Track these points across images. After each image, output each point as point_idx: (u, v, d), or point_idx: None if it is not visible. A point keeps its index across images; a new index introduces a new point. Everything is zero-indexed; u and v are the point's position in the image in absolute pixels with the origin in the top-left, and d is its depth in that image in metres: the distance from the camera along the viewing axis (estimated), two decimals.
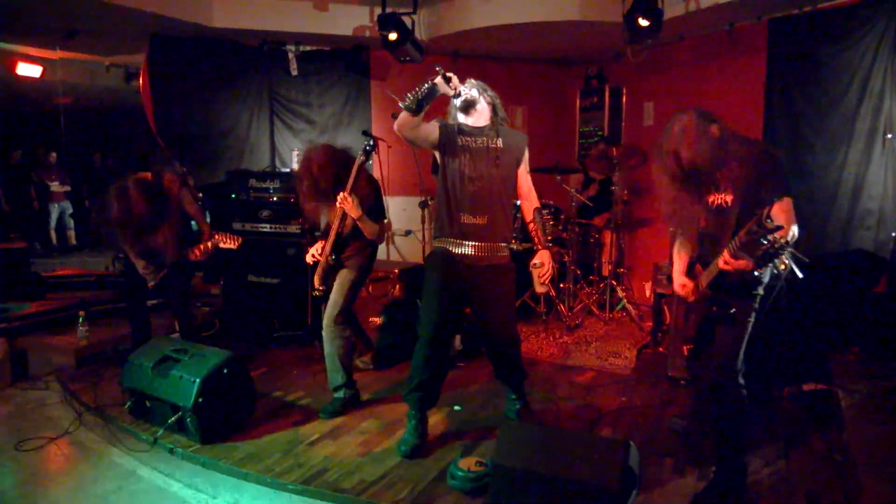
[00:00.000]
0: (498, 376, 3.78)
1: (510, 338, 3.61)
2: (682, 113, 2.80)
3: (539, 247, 3.47)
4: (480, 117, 3.41)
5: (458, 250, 3.42)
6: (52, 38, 7.05)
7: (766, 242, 2.26)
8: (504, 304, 3.53)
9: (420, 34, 6.78)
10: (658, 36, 5.56)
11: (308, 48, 7.39)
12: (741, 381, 2.87)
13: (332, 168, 3.92)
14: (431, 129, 3.41)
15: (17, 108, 10.86)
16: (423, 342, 3.48)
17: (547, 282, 3.46)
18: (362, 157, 3.91)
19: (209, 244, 4.36)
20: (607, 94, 7.60)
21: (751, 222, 2.32)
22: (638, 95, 7.46)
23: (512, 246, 3.54)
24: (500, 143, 3.42)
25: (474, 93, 3.37)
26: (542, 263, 3.41)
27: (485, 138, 3.42)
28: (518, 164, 3.50)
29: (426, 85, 3.25)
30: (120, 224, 4.31)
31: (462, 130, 3.43)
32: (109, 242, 4.55)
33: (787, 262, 2.26)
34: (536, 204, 3.57)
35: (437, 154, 3.50)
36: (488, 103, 3.43)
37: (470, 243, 3.41)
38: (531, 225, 3.53)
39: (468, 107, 3.38)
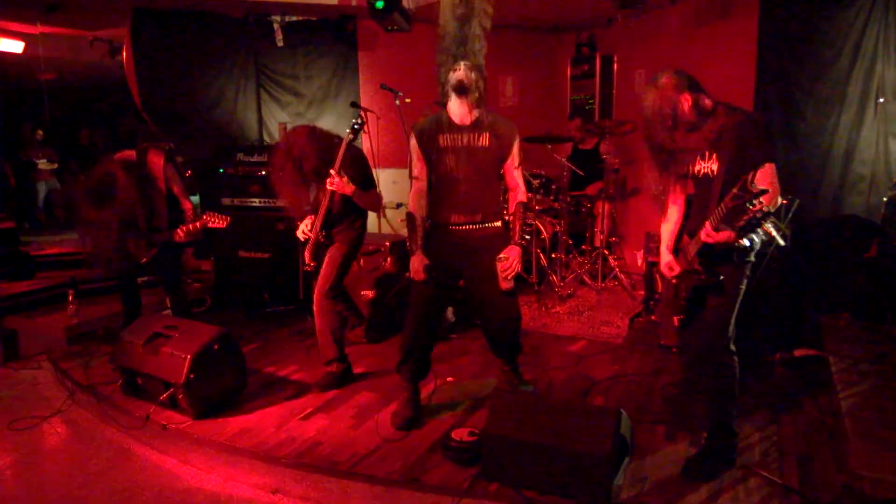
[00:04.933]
0: (494, 350, 3.75)
1: (510, 311, 3.52)
2: (662, 72, 2.78)
3: (512, 241, 3.38)
4: (467, 114, 3.28)
5: (452, 227, 3.40)
6: (32, 12, 6.91)
7: (751, 207, 2.25)
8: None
9: (407, 2, 6.66)
10: (649, 0, 5.48)
11: (294, 18, 7.27)
12: (732, 347, 2.88)
13: (315, 147, 3.84)
14: (417, 158, 3.39)
15: None
16: (414, 314, 3.47)
17: (510, 277, 3.36)
18: (350, 136, 3.86)
19: (196, 224, 4.32)
20: (598, 61, 7.52)
21: (735, 187, 2.30)
22: (629, 63, 7.38)
23: (507, 218, 3.51)
24: (486, 139, 3.30)
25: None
26: (508, 258, 3.31)
27: (471, 135, 3.30)
28: (505, 159, 3.38)
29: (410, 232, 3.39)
30: (108, 216, 4.24)
31: (446, 128, 3.32)
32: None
33: (770, 230, 2.26)
34: (522, 198, 3.47)
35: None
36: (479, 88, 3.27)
37: (464, 227, 3.40)
38: (510, 217, 3.47)
39: (461, 90, 3.22)
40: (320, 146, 3.87)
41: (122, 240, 4.31)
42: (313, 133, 3.94)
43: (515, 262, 3.33)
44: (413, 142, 3.40)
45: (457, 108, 3.29)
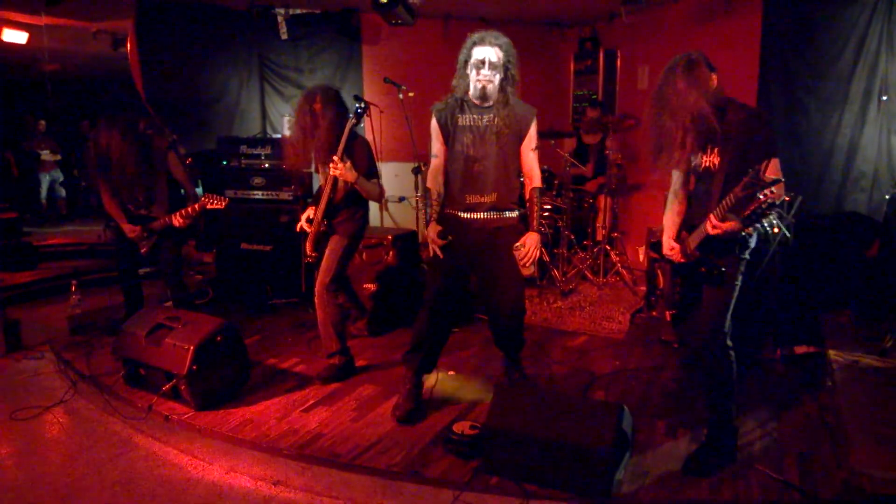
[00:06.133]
0: (497, 343, 3.76)
1: (517, 304, 3.53)
2: (690, 52, 2.75)
3: (530, 228, 3.39)
4: (490, 96, 3.31)
5: (466, 215, 3.42)
6: (37, 3, 6.89)
7: (761, 198, 2.25)
8: (512, 264, 3.43)
9: None
10: None
11: (298, 11, 7.26)
12: (729, 343, 2.88)
13: (333, 107, 3.86)
14: (436, 138, 3.43)
15: (2, 75, 10.68)
16: (428, 306, 3.49)
17: (529, 264, 3.38)
18: (353, 120, 3.86)
19: (195, 206, 4.31)
20: (602, 57, 7.51)
21: (747, 176, 2.30)
22: (632, 58, 7.37)
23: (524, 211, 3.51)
24: (505, 118, 3.32)
25: (487, 73, 3.24)
26: (524, 245, 3.32)
27: (491, 115, 3.32)
28: (521, 140, 3.39)
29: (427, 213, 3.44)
30: (108, 158, 4.29)
31: (465, 108, 3.35)
32: (94, 176, 4.48)
33: (775, 222, 2.26)
34: (537, 184, 3.46)
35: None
36: (501, 75, 3.28)
37: (479, 215, 3.42)
38: (528, 203, 3.47)
39: (484, 97, 3.29)
40: (337, 109, 3.89)
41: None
42: (337, 96, 3.96)
43: (533, 249, 3.33)
44: (433, 122, 3.44)
45: (477, 97, 3.33)
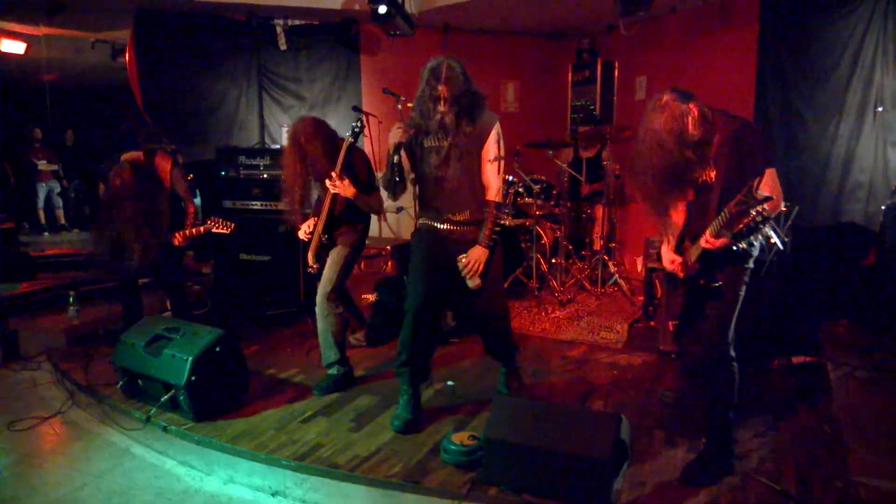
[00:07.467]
0: (488, 351, 3.78)
1: (498, 310, 3.58)
2: (659, 94, 2.78)
3: (478, 242, 3.38)
4: (449, 126, 3.28)
5: (443, 227, 3.45)
6: (36, 14, 6.92)
7: (753, 213, 2.27)
8: (491, 276, 3.47)
9: (410, 7, 6.69)
10: (650, 8, 5.50)
11: (297, 22, 7.30)
12: (732, 353, 2.89)
13: (320, 140, 3.88)
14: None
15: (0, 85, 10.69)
16: (410, 317, 3.49)
17: (470, 276, 3.37)
18: (350, 139, 3.88)
19: (200, 229, 4.33)
20: (599, 67, 7.54)
21: (740, 193, 2.32)
22: (630, 69, 7.41)
23: (502, 221, 3.51)
24: (467, 135, 3.29)
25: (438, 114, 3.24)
26: (467, 256, 3.35)
27: (452, 136, 3.29)
28: (481, 146, 3.35)
29: (389, 165, 3.32)
30: (113, 208, 4.29)
31: (429, 131, 3.33)
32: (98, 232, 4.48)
33: (769, 233, 2.28)
34: (492, 197, 3.40)
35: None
36: (453, 97, 3.23)
37: (455, 228, 3.44)
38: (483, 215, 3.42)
39: (444, 127, 3.27)
40: (325, 137, 3.91)
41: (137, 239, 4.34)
42: (319, 124, 3.97)
43: (474, 263, 3.35)
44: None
45: (438, 127, 3.31)
